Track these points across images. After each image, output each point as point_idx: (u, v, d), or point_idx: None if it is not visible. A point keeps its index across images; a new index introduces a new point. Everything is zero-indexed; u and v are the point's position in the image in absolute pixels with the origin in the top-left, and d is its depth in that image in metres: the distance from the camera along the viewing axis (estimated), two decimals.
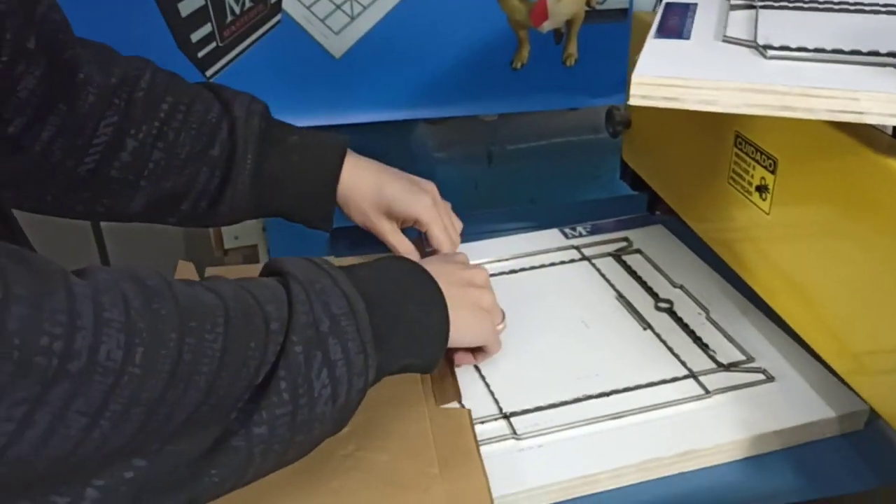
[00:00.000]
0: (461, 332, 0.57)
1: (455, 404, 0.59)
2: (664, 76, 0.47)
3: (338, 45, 0.98)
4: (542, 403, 0.59)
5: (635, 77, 0.47)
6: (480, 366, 0.63)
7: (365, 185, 0.71)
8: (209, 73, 0.97)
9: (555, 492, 0.54)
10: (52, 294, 0.37)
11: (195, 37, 0.95)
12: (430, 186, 0.74)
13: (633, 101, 0.48)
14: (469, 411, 0.57)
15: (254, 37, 0.96)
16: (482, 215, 0.91)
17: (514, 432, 0.57)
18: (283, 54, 0.98)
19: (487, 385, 0.61)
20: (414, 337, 0.53)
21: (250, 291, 0.46)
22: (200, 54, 0.96)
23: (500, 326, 0.64)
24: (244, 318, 0.44)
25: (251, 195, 0.69)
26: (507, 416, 0.58)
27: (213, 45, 0.96)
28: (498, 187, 1.24)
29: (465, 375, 0.62)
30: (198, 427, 0.42)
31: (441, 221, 0.72)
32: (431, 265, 0.59)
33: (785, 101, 0.46)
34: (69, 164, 0.64)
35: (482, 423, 0.58)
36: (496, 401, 0.60)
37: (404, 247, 0.73)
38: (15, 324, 0.35)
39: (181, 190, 0.68)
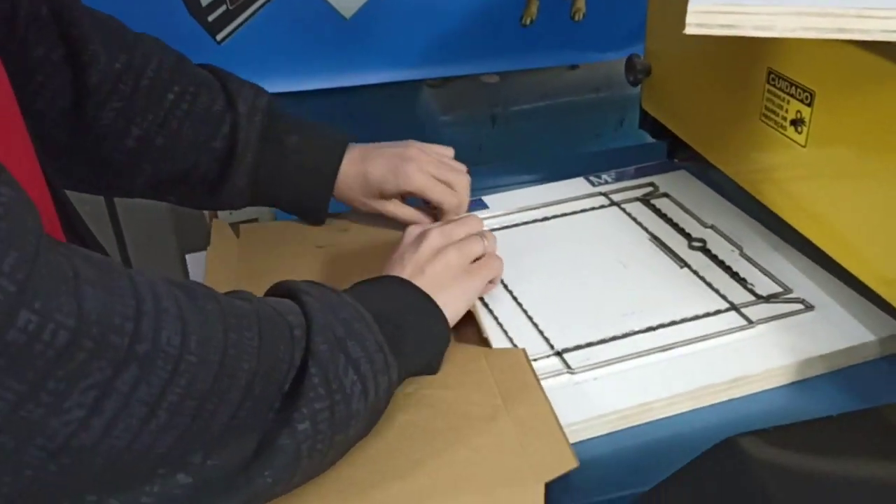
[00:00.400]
0: (456, 311, 0.58)
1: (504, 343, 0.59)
2: (721, 3, 0.48)
3: (348, 5, 0.98)
4: (592, 340, 0.60)
5: (692, 5, 0.48)
6: (527, 307, 0.64)
7: (351, 179, 0.70)
8: (219, 36, 0.97)
9: (613, 420, 0.55)
10: (117, 279, 0.38)
11: (205, 0, 0.94)
12: (413, 151, 0.70)
13: (689, 30, 0.49)
14: (524, 350, 0.58)
15: None
16: (501, 168, 0.91)
17: (568, 367, 0.58)
18: (293, 16, 0.97)
19: (535, 325, 0.62)
20: (420, 342, 0.55)
21: (269, 304, 0.47)
22: (211, 18, 0.95)
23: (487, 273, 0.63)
24: (271, 323, 0.45)
25: (248, 190, 0.70)
26: (559, 353, 0.59)
27: (224, 8, 0.95)
28: (502, 148, 1.25)
29: (513, 318, 0.63)
30: (237, 433, 0.42)
31: (433, 184, 0.70)
32: (397, 267, 0.59)
33: (840, 23, 0.47)
34: (70, 141, 0.64)
35: (535, 360, 0.59)
36: (546, 339, 0.61)
37: (409, 215, 0.71)
38: (90, 303, 0.36)
39: (181, 174, 0.68)
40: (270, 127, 0.69)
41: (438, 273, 0.58)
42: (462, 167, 0.73)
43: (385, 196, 0.71)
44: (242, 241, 0.72)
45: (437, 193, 0.70)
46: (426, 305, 0.56)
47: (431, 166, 0.70)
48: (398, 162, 0.69)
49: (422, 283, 0.57)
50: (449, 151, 0.74)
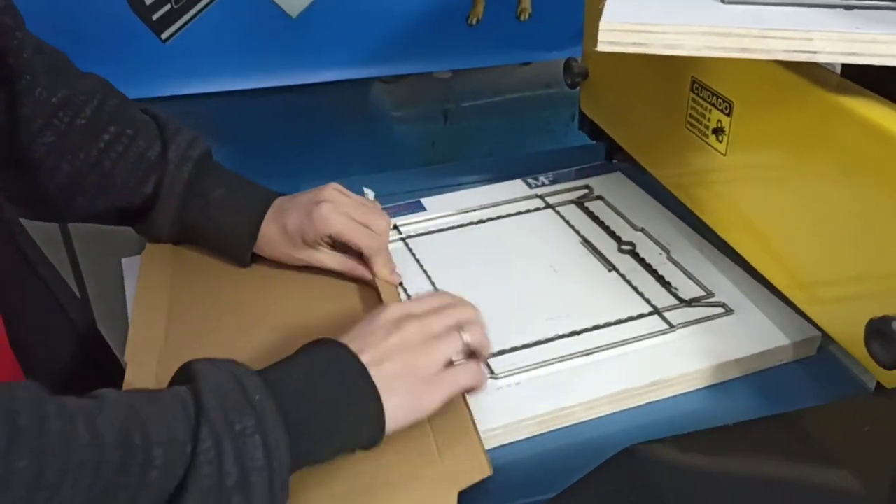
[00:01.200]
0: (397, 423, 0.51)
1: None
2: (631, 22, 0.49)
3: (293, 4, 0.98)
4: (516, 344, 0.62)
5: (603, 24, 0.49)
6: None
7: (272, 234, 0.67)
8: (164, 35, 0.96)
9: (532, 425, 0.56)
10: None
11: None
12: (329, 193, 0.67)
13: (601, 48, 0.50)
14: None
15: None
16: (443, 169, 0.92)
17: (492, 372, 0.59)
18: (239, 15, 0.97)
19: None
20: (347, 447, 0.50)
21: (145, 425, 0.42)
22: (155, 17, 0.95)
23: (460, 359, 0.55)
24: (120, 470, 0.40)
25: (173, 234, 0.70)
26: None
27: (168, 6, 0.95)
28: (455, 144, 1.26)
29: None
30: None
31: (351, 226, 0.65)
32: (356, 341, 0.52)
33: (743, 44, 0.48)
34: (3, 164, 0.64)
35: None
36: None
37: (338, 263, 0.67)
38: None
39: (113, 210, 0.68)
40: (197, 178, 0.68)
41: (396, 375, 0.51)
42: (380, 210, 0.70)
43: (309, 244, 0.66)
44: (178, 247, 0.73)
45: (355, 235, 0.65)
46: (368, 407, 0.49)
47: (348, 207, 0.66)
48: (312, 206, 0.65)
49: (376, 376, 0.50)
50: (369, 199, 0.72)
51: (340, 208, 0.66)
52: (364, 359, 0.50)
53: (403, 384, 0.51)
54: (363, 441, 0.50)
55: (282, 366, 0.50)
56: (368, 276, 0.67)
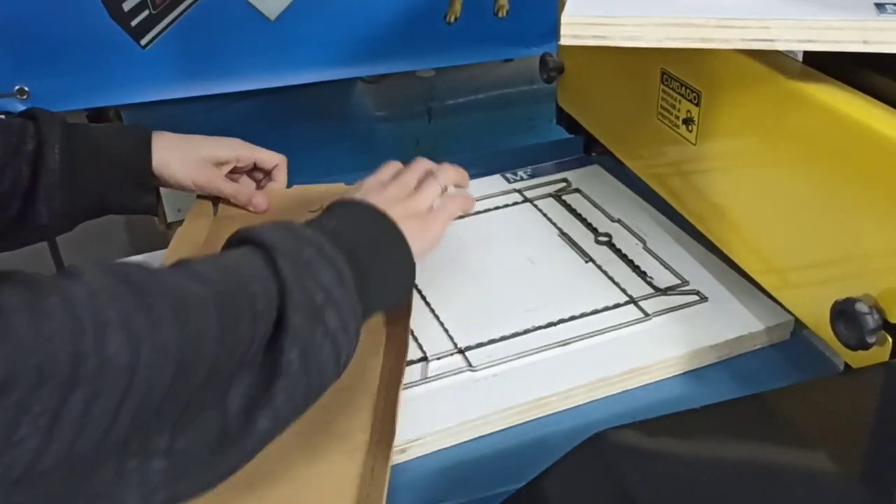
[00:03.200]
0: (420, 253, 0.58)
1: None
2: (592, 15, 0.50)
3: (272, 7, 0.99)
4: (494, 336, 0.62)
5: (565, 18, 0.50)
6: (434, 306, 0.66)
7: (178, 150, 0.74)
8: (144, 41, 0.97)
9: (511, 415, 0.57)
10: (47, 300, 0.37)
11: (127, 5, 0.95)
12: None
13: (563, 41, 0.51)
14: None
15: (187, 2, 0.96)
16: None
17: (470, 364, 0.60)
18: (218, 19, 0.98)
19: (442, 323, 0.64)
20: (388, 280, 0.55)
21: (234, 270, 0.45)
22: (134, 23, 0.96)
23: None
24: (232, 303, 0.43)
25: (65, 185, 0.68)
26: (461, 351, 0.61)
27: (146, 13, 0.96)
28: (439, 142, 1.27)
29: (420, 316, 0.65)
30: (199, 412, 0.41)
31: (258, 149, 0.78)
32: (373, 196, 0.58)
33: (702, 34, 0.49)
34: None
35: (438, 358, 0.61)
36: (451, 337, 0.63)
37: (234, 189, 0.76)
38: (21, 333, 0.35)
39: (5, 191, 0.67)
40: (72, 124, 0.69)
41: (401, 217, 0.57)
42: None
43: (219, 165, 0.76)
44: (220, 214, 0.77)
45: (265, 152, 0.78)
46: (394, 235, 0.56)
47: (245, 158, 0.78)
48: (223, 138, 0.77)
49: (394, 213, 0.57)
50: None
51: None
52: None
53: (409, 225, 0.57)
54: (402, 271, 0.56)
55: (313, 221, 0.53)
56: (263, 206, 0.76)
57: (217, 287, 0.43)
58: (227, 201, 0.77)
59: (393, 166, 0.64)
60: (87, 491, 0.38)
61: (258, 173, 0.80)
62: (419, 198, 0.61)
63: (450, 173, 0.64)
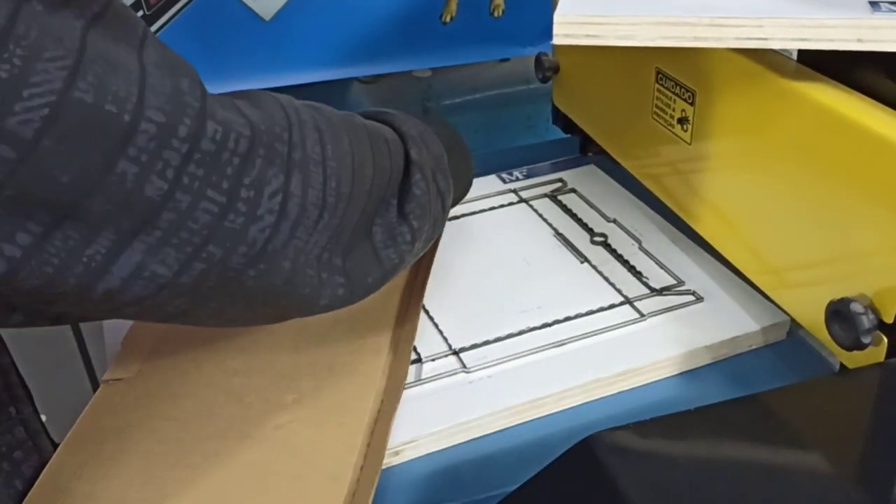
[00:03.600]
0: None
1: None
2: (584, 14, 0.50)
3: (267, 8, 0.98)
4: (489, 338, 0.62)
5: (557, 17, 0.50)
6: (428, 307, 0.65)
7: None
8: None
9: (505, 416, 0.57)
10: (261, 95, 0.42)
11: None
12: None
13: (556, 41, 0.50)
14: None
15: (181, 3, 0.96)
16: None
17: (464, 366, 0.60)
18: (213, 20, 0.98)
19: (436, 325, 0.64)
20: (464, 169, 0.63)
21: (373, 124, 0.50)
22: None
23: None
24: (377, 136, 0.49)
25: None
26: (456, 353, 0.61)
27: (140, 13, 0.95)
28: None
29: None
30: (358, 237, 0.47)
31: None
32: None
33: (696, 32, 0.49)
34: None
35: (433, 360, 0.60)
36: (445, 339, 0.62)
37: None
38: (254, 115, 0.39)
39: None
40: None
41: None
42: None
43: None
44: None
45: None
46: (461, 143, 0.63)
47: None
48: None
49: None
50: None
51: None
52: None
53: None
54: (469, 165, 0.64)
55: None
56: None
57: (367, 126, 0.48)
58: None
59: None
60: (292, 292, 0.42)
61: None
62: None
63: None
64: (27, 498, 0.49)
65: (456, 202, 0.61)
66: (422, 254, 0.55)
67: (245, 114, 0.39)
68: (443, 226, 0.56)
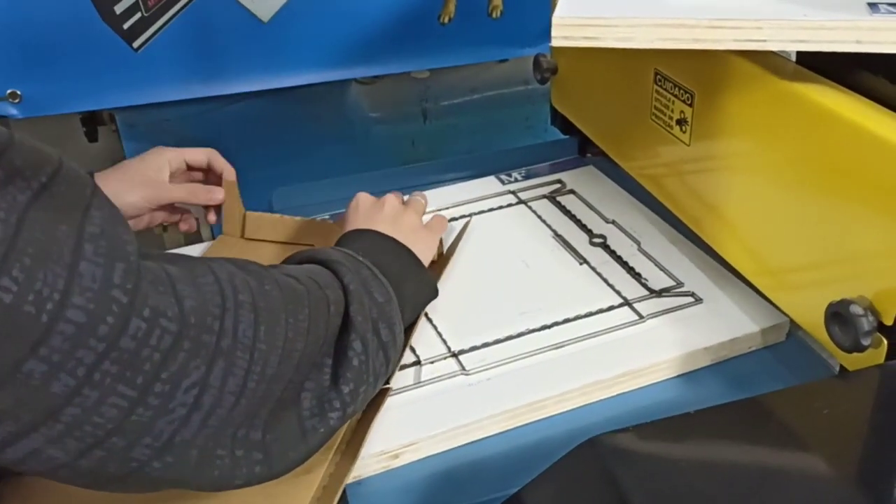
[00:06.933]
0: (428, 260, 0.66)
1: None
2: (583, 16, 0.49)
3: (265, 9, 0.98)
4: (488, 340, 0.62)
5: (555, 19, 0.50)
6: (428, 310, 0.65)
7: (115, 182, 0.71)
8: (136, 44, 0.97)
9: (504, 420, 0.57)
10: (202, 275, 0.40)
11: (119, 8, 0.94)
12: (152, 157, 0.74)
13: (555, 43, 0.50)
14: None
15: (179, 5, 0.96)
16: (420, 168, 0.93)
17: (463, 368, 0.60)
18: (211, 21, 0.97)
19: (435, 327, 0.64)
20: (416, 301, 0.61)
21: (314, 276, 0.49)
22: (126, 26, 0.95)
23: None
24: (317, 302, 0.47)
25: None
26: (455, 355, 0.61)
27: (139, 15, 0.95)
28: (435, 143, 1.26)
29: None
30: (283, 408, 0.45)
31: (184, 149, 0.75)
32: (378, 224, 0.63)
33: (694, 34, 0.49)
34: None
35: (432, 362, 0.60)
36: (444, 341, 0.62)
37: (188, 190, 0.75)
38: (188, 303, 0.38)
39: None
40: None
41: (407, 233, 0.63)
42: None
43: (158, 178, 0.73)
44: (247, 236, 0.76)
45: (191, 150, 0.74)
46: (419, 266, 0.61)
47: (175, 159, 0.74)
48: (144, 154, 0.73)
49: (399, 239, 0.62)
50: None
51: (172, 163, 0.73)
52: (383, 230, 0.62)
53: (410, 239, 0.62)
54: (425, 295, 0.62)
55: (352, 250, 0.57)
56: (220, 196, 0.75)
57: (307, 286, 0.47)
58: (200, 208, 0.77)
59: (366, 195, 0.68)
60: (200, 476, 0.41)
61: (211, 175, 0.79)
62: (410, 214, 0.67)
63: (420, 199, 0.72)
64: None
65: (414, 317, 0.61)
66: (359, 412, 0.53)
67: (180, 300, 0.37)
68: (387, 375, 0.53)
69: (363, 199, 0.67)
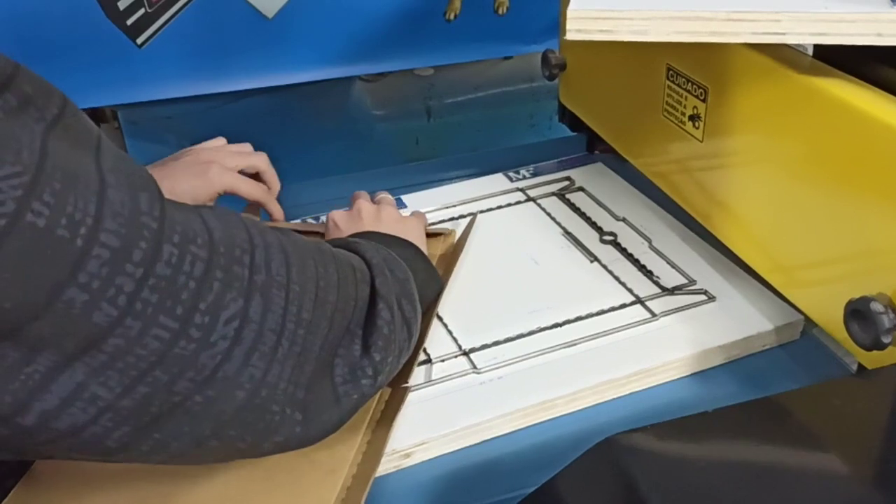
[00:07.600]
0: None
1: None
2: (598, 9, 0.49)
3: (269, 5, 0.97)
4: (499, 338, 0.61)
5: (571, 12, 0.49)
6: (439, 309, 0.65)
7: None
8: (140, 40, 0.96)
9: (515, 419, 0.56)
10: (227, 214, 0.41)
11: (122, 4, 0.93)
12: (211, 154, 0.70)
13: (569, 36, 0.49)
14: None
15: (183, 1, 0.95)
16: (425, 166, 0.92)
17: (474, 367, 0.59)
18: (215, 17, 0.97)
19: (445, 325, 0.63)
20: (425, 279, 0.60)
21: (340, 251, 0.50)
22: (129, 22, 0.94)
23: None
24: (344, 264, 0.48)
25: None
26: (466, 353, 0.60)
27: (142, 11, 0.95)
28: (439, 141, 1.25)
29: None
30: (321, 369, 0.44)
31: (238, 180, 0.69)
32: (382, 226, 0.63)
33: (711, 27, 0.48)
34: None
35: (443, 360, 0.60)
36: (455, 339, 0.62)
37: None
38: (217, 233, 0.38)
39: None
40: None
41: (395, 227, 0.63)
42: (254, 151, 0.74)
43: (200, 201, 0.68)
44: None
45: (247, 189, 0.70)
46: (423, 255, 0.61)
47: (234, 162, 0.70)
48: (200, 168, 0.68)
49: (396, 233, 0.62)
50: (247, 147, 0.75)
51: (227, 164, 0.69)
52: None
53: (400, 231, 0.62)
54: (430, 270, 0.62)
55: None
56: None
57: (334, 252, 0.48)
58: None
59: (339, 212, 0.68)
60: (243, 423, 0.40)
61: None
62: (388, 211, 0.67)
63: (387, 195, 0.72)
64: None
65: (424, 307, 0.59)
66: (386, 384, 0.52)
67: (209, 229, 0.38)
68: (410, 352, 0.53)
69: (338, 216, 0.67)
